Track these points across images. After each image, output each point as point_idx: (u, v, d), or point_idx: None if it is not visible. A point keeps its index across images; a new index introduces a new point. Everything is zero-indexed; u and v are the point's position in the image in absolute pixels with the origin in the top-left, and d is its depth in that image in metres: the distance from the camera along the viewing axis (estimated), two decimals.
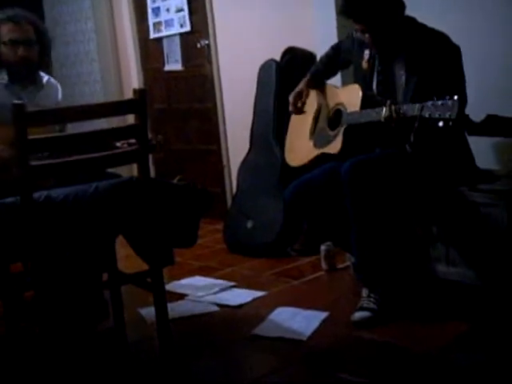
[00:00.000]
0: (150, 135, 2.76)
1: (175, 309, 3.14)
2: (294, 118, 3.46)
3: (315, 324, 2.89)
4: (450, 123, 2.56)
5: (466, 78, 2.90)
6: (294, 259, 3.90)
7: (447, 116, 2.56)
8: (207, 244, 4.38)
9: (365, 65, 3.09)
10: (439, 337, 2.65)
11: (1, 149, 2.57)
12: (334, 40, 3.65)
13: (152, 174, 3.13)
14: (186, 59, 5.11)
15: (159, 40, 5.27)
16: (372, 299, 2.90)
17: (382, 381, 2.40)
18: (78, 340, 2.96)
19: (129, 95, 2.60)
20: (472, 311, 2.85)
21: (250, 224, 4.18)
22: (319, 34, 3.92)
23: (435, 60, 2.85)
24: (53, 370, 2.55)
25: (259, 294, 3.35)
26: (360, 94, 2.99)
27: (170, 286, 3.42)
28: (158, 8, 5.20)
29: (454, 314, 2.85)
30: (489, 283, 2.92)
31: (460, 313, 2.85)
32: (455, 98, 2.55)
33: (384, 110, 2.78)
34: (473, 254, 2.96)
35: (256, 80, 4.34)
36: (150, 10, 5.27)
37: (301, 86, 3.33)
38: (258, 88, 4.34)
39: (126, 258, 3.09)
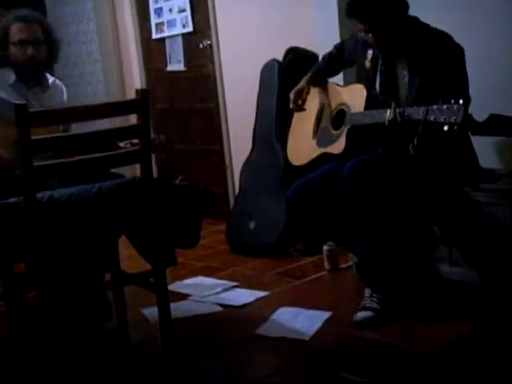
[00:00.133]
0: (152, 135, 2.76)
1: (178, 309, 3.14)
2: (296, 116, 3.45)
3: (318, 324, 2.89)
4: (455, 127, 2.55)
5: None
6: (297, 259, 3.90)
7: (452, 120, 2.55)
8: (210, 244, 4.39)
9: (368, 64, 3.08)
10: (442, 337, 2.64)
11: (5, 149, 2.58)
12: (336, 39, 3.65)
13: (154, 174, 3.13)
14: (188, 59, 5.11)
15: (162, 40, 5.27)
16: (375, 299, 2.90)
17: (384, 381, 2.40)
18: (80, 340, 2.96)
19: (131, 95, 2.61)
20: (475, 311, 2.85)
21: (252, 224, 4.18)
22: (321, 33, 3.93)
23: (438, 60, 2.85)
24: (56, 370, 2.55)
25: (262, 294, 3.36)
26: (364, 94, 2.98)
27: (172, 287, 3.43)
28: (161, 8, 5.20)
29: (457, 314, 2.85)
30: (491, 283, 2.92)
31: (463, 313, 2.85)
32: (460, 102, 2.54)
33: (388, 112, 2.78)
34: (475, 254, 2.96)
35: (258, 80, 4.34)
36: (152, 11, 5.28)
37: (302, 83, 3.32)
38: (260, 88, 4.35)
39: (129, 258, 3.09)
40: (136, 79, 5.56)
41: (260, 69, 4.33)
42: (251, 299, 3.29)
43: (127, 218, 2.60)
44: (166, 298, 2.68)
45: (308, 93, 3.30)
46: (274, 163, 4.16)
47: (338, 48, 3.35)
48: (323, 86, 3.32)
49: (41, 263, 2.39)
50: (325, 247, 3.63)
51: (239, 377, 2.57)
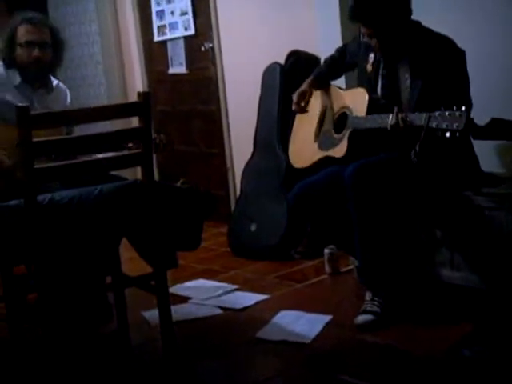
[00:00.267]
0: (153, 135, 2.76)
1: (179, 311, 3.13)
2: (298, 119, 3.45)
3: (318, 327, 2.88)
4: (457, 134, 2.55)
5: None
6: (298, 262, 3.90)
7: (454, 127, 2.54)
8: (211, 247, 4.38)
9: (369, 68, 3.08)
10: (442, 340, 2.64)
11: (6, 151, 2.58)
12: (338, 43, 3.65)
13: (155, 176, 3.13)
14: (190, 62, 5.11)
15: (163, 43, 5.28)
16: (375, 302, 2.90)
17: None
18: (81, 342, 2.96)
19: (133, 98, 2.62)
20: (476, 315, 2.84)
21: (253, 227, 4.18)
22: (322, 36, 3.92)
23: (440, 64, 2.85)
24: (56, 372, 2.55)
25: (263, 297, 3.35)
26: (366, 98, 2.98)
27: (173, 289, 3.42)
28: (163, 11, 5.20)
29: (458, 318, 2.84)
30: (493, 287, 2.91)
31: (464, 317, 2.85)
32: (463, 109, 2.54)
33: (390, 117, 2.77)
34: (477, 258, 2.95)
35: (260, 83, 4.34)
36: (154, 13, 5.28)
37: (304, 85, 3.33)
38: (262, 91, 4.35)
39: (130, 261, 3.09)
40: (138, 82, 5.56)
41: (262, 72, 4.33)
42: (252, 302, 3.29)
43: (128, 221, 2.60)
44: (166, 301, 2.68)
45: (311, 95, 3.31)
46: (275, 166, 4.16)
47: (340, 51, 3.35)
48: (325, 88, 3.32)
49: (41, 265, 2.39)
50: (326, 251, 3.63)
51: (240, 379, 2.57)
